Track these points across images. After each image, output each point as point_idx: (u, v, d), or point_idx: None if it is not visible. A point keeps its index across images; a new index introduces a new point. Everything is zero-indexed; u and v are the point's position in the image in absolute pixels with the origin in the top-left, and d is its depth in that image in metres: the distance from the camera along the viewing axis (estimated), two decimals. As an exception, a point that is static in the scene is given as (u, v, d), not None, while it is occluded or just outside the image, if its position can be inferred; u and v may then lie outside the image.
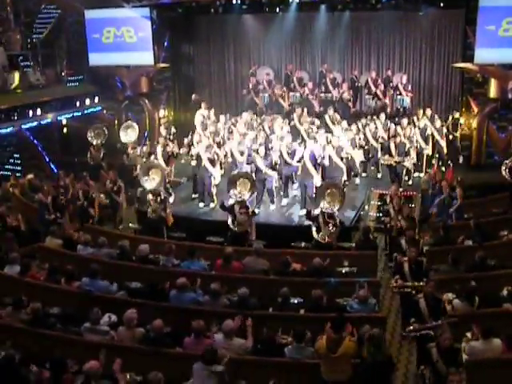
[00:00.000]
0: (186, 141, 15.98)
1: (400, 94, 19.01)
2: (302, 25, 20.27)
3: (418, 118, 16.74)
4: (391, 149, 15.19)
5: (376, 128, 16.37)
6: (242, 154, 14.56)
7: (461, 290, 8.53)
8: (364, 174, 16.16)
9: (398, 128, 15.96)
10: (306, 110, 17.85)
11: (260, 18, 20.36)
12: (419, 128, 16.29)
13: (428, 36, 19.56)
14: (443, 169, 15.85)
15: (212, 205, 14.36)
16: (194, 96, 19.90)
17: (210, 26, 21.33)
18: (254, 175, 13.55)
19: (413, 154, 15.37)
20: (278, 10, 19.25)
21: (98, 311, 7.72)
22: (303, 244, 11.74)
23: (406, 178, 15.54)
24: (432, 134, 16.23)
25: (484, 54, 15.93)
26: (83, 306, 8.30)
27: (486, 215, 12.57)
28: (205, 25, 21.39)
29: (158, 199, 12.63)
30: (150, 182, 13.11)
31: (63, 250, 10.94)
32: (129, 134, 17.01)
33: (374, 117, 17.33)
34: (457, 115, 16.91)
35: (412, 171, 15.66)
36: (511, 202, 13.47)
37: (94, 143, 16.54)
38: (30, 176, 15.45)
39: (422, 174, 15.94)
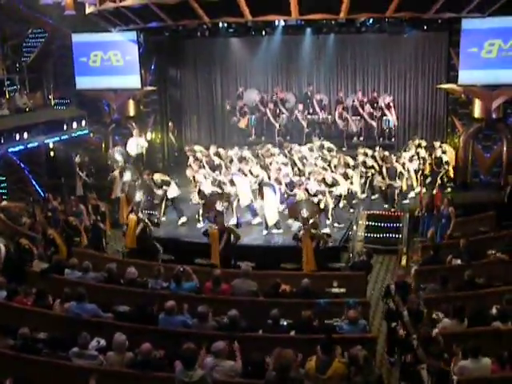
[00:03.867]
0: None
1: (385, 115, 19.25)
2: (288, 48, 20.50)
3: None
4: (383, 173, 15.47)
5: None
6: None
7: (450, 308, 8.53)
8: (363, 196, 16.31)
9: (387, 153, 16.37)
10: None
11: (246, 41, 20.55)
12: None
13: (412, 58, 19.89)
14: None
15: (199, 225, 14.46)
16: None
17: (196, 49, 21.48)
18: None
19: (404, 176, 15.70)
20: (264, 33, 19.39)
21: (86, 335, 7.60)
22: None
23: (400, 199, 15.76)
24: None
25: (468, 76, 16.17)
26: (71, 330, 8.18)
27: (473, 234, 12.62)
28: (192, 48, 21.55)
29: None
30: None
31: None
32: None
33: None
34: (437, 144, 17.04)
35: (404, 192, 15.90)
36: (498, 221, 13.58)
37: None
38: (4, 203, 15.26)
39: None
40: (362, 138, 19.85)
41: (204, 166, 16.06)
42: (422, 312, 8.69)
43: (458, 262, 11.02)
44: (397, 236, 14.43)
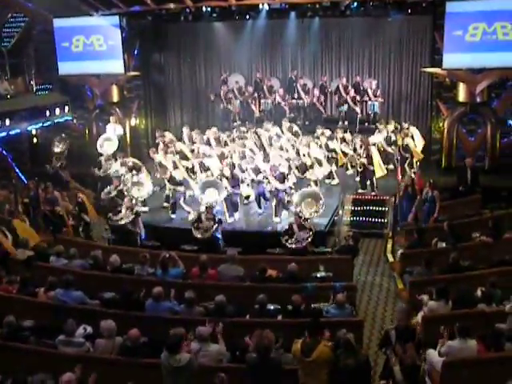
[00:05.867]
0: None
1: (370, 99, 19.24)
2: (272, 32, 20.43)
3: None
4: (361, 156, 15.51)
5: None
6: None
7: (435, 290, 8.58)
8: (335, 182, 16.17)
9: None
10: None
11: (230, 25, 20.40)
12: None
13: (397, 42, 19.88)
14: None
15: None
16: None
17: (180, 33, 21.32)
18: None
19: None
20: (248, 17, 19.27)
21: (72, 323, 7.55)
22: (277, 250, 11.80)
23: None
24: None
25: (452, 59, 16.15)
26: (57, 317, 8.13)
27: (458, 217, 12.70)
28: (175, 33, 21.38)
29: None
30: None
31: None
32: (105, 147, 16.86)
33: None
34: (406, 125, 17.09)
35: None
36: (483, 204, 13.67)
37: (58, 151, 17.01)
38: None
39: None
40: (346, 123, 19.78)
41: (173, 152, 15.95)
42: (418, 367, 7.09)
43: (443, 245, 11.10)
44: (382, 220, 14.49)
